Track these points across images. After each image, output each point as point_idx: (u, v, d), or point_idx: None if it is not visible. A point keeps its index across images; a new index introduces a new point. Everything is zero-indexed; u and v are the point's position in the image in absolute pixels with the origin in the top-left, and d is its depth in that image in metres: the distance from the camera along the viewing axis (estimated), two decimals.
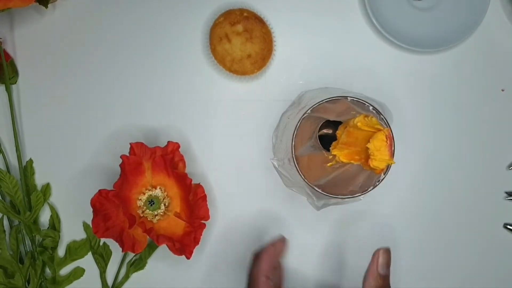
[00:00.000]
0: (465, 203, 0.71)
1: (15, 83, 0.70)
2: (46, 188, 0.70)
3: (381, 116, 0.59)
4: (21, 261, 0.69)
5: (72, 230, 0.70)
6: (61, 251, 0.70)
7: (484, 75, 0.72)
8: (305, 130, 0.60)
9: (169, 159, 0.64)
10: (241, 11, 0.68)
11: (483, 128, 0.71)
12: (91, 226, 0.64)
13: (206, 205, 0.65)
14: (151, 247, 0.69)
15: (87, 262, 0.70)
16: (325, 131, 0.65)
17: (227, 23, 0.67)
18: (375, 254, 0.57)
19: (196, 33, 0.70)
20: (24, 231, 0.69)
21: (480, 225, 0.71)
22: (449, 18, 0.70)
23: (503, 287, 0.72)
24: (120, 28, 0.70)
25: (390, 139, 0.54)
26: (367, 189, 0.59)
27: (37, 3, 0.66)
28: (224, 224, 0.70)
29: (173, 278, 0.70)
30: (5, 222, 0.69)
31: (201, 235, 0.64)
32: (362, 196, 0.60)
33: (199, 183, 0.66)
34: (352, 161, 0.55)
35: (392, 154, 0.54)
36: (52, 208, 0.69)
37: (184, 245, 0.63)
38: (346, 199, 0.60)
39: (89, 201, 0.63)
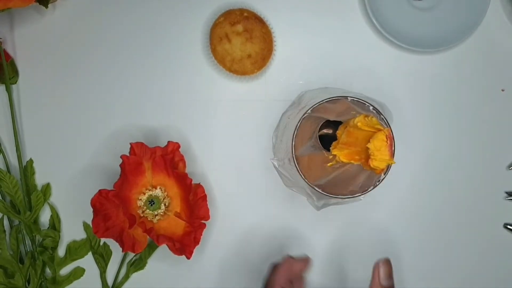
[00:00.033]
0: (465, 203, 0.71)
1: (15, 83, 0.70)
2: (46, 188, 0.70)
3: (381, 116, 0.59)
4: (21, 261, 0.69)
5: (72, 230, 0.70)
6: (61, 251, 0.70)
7: (484, 75, 0.72)
8: (305, 130, 0.60)
9: (169, 159, 0.64)
10: (241, 11, 0.68)
11: (483, 128, 0.71)
12: (91, 226, 0.64)
13: (206, 205, 0.65)
14: (151, 247, 0.69)
15: (87, 262, 0.70)
16: (325, 131, 0.65)
17: (227, 23, 0.67)
18: (375, 267, 0.56)
19: (196, 33, 0.70)
20: (24, 231, 0.69)
21: (480, 225, 0.71)
22: (449, 18, 0.70)
23: (503, 287, 0.72)
24: (120, 28, 0.70)
25: (390, 139, 0.54)
26: (367, 189, 0.59)
27: (37, 3, 0.66)
28: (224, 224, 0.70)
29: (173, 278, 0.70)
30: (5, 222, 0.69)
31: (201, 235, 0.64)
32: (362, 196, 0.60)
33: (199, 183, 0.66)
34: (352, 161, 0.55)
35: (392, 154, 0.54)
36: (52, 208, 0.69)
37: (184, 245, 0.63)
38: (346, 199, 0.60)
39: (89, 201, 0.63)
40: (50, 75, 0.70)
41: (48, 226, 0.70)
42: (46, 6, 0.66)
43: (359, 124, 0.54)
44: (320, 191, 0.59)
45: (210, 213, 0.65)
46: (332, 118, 0.59)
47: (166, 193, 0.65)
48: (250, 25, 0.67)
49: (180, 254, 0.63)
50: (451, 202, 0.71)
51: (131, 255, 0.70)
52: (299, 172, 0.59)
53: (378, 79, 0.71)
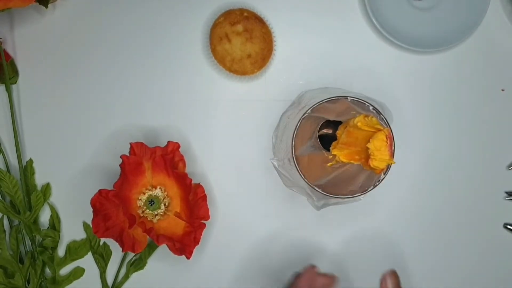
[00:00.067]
0: (465, 203, 0.71)
1: (15, 83, 0.70)
2: (46, 188, 0.70)
3: (381, 116, 0.59)
4: (21, 261, 0.69)
5: (72, 230, 0.70)
6: (61, 251, 0.70)
7: (484, 75, 0.71)
8: (305, 130, 0.60)
9: (169, 159, 0.64)
10: (241, 11, 0.68)
11: (483, 128, 0.71)
12: (91, 226, 0.64)
13: (206, 205, 0.65)
14: (151, 247, 0.69)
15: (87, 262, 0.70)
16: (325, 131, 0.65)
17: (227, 23, 0.67)
18: (383, 279, 0.56)
19: (196, 33, 0.70)
20: (24, 231, 0.69)
21: (480, 225, 0.71)
22: (449, 18, 0.70)
23: (503, 287, 0.72)
24: (120, 28, 0.70)
25: (390, 139, 0.54)
26: (367, 189, 0.59)
27: (37, 3, 0.66)
28: (224, 224, 0.70)
29: (173, 278, 0.70)
30: (5, 222, 0.69)
31: (201, 235, 0.64)
32: (362, 196, 0.60)
33: (199, 183, 0.66)
34: (352, 161, 0.55)
35: (392, 154, 0.54)
36: (52, 208, 0.69)
37: (184, 245, 0.63)
38: (346, 199, 0.60)
39: (89, 201, 0.63)
40: (50, 75, 0.70)
41: (48, 226, 0.70)
42: (46, 6, 0.66)
43: (359, 124, 0.54)
44: (320, 191, 0.59)
45: (210, 213, 0.65)
46: (332, 118, 0.59)
47: (166, 193, 0.65)
48: (250, 25, 0.67)
49: (180, 254, 0.63)
50: (451, 202, 0.71)
51: (131, 255, 0.70)
52: (299, 172, 0.59)
53: (378, 79, 0.71)
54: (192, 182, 0.63)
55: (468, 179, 0.71)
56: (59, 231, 0.70)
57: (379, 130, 0.53)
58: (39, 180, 0.70)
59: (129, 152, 0.64)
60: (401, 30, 0.70)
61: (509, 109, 0.72)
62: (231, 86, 0.70)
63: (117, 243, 0.63)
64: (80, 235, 0.70)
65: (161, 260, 0.70)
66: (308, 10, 0.71)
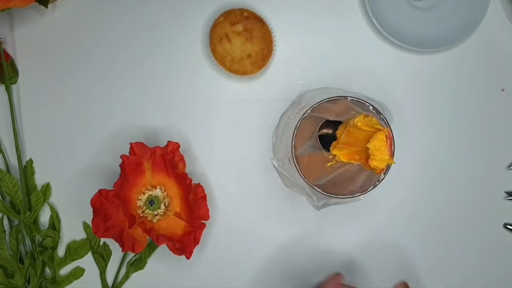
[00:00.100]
0: (465, 203, 0.71)
1: (15, 83, 0.70)
2: (46, 188, 0.70)
3: (381, 116, 0.59)
4: (21, 261, 0.69)
5: (72, 230, 0.70)
6: (61, 251, 0.70)
7: (484, 75, 0.71)
8: (305, 130, 0.60)
9: (169, 159, 0.64)
10: (241, 11, 0.68)
11: (483, 128, 0.71)
12: (91, 226, 0.64)
13: (206, 205, 0.65)
14: (151, 247, 0.69)
15: (87, 262, 0.70)
16: (325, 131, 0.65)
17: (227, 23, 0.67)
18: None
19: (196, 33, 0.70)
20: (24, 231, 0.69)
21: (480, 225, 0.71)
22: (449, 18, 0.70)
23: (503, 287, 0.72)
24: (120, 28, 0.70)
25: (390, 139, 0.54)
26: (367, 189, 0.59)
27: (37, 3, 0.66)
28: (224, 224, 0.70)
29: (173, 278, 0.70)
30: (5, 222, 0.69)
31: (201, 235, 0.64)
32: (362, 196, 0.60)
33: (199, 183, 0.66)
34: (352, 161, 0.55)
35: (392, 154, 0.54)
36: (52, 208, 0.69)
37: (184, 245, 0.63)
38: (346, 199, 0.60)
39: (89, 201, 0.63)
40: (50, 75, 0.70)
41: (48, 226, 0.70)
42: (46, 6, 0.66)
43: (359, 124, 0.54)
44: (320, 191, 0.59)
45: (210, 213, 0.65)
46: (332, 118, 0.59)
47: (166, 193, 0.65)
48: (250, 25, 0.67)
49: (180, 254, 0.63)
50: (451, 202, 0.71)
51: (131, 255, 0.70)
52: (299, 172, 0.59)
53: (378, 79, 0.71)
54: (192, 182, 0.63)
55: (468, 179, 0.71)
56: (59, 231, 0.70)
57: (379, 130, 0.53)
58: (39, 180, 0.70)
59: (129, 152, 0.64)
60: (401, 30, 0.70)
61: (509, 109, 0.72)
62: (231, 86, 0.70)
63: (117, 243, 0.63)
64: (80, 235, 0.70)
65: (161, 260, 0.70)
66: (308, 10, 0.71)
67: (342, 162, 0.56)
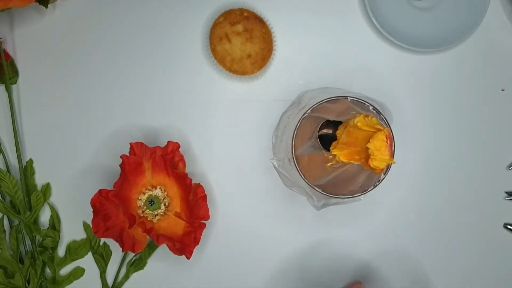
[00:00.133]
0: (465, 203, 0.71)
1: (15, 83, 0.70)
2: (46, 188, 0.70)
3: (381, 116, 0.59)
4: (21, 261, 0.69)
5: (72, 230, 0.70)
6: (61, 251, 0.70)
7: (484, 75, 0.71)
8: (305, 130, 0.60)
9: (169, 159, 0.64)
10: (241, 11, 0.68)
11: (483, 128, 0.71)
12: (91, 226, 0.64)
13: (206, 205, 0.65)
14: (151, 247, 0.69)
15: (87, 262, 0.70)
16: (325, 131, 0.65)
17: (227, 23, 0.67)
18: None
19: (196, 33, 0.70)
20: (24, 231, 0.69)
21: (480, 225, 0.71)
22: (449, 18, 0.70)
23: (503, 287, 0.72)
24: (120, 28, 0.70)
25: (390, 139, 0.54)
26: (367, 189, 0.59)
27: (37, 3, 0.66)
28: (224, 224, 0.70)
29: (173, 278, 0.70)
30: (5, 222, 0.69)
31: (201, 235, 0.64)
32: (362, 196, 0.60)
33: (199, 183, 0.66)
34: (352, 161, 0.55)
35: (392, 154, 0.54)
36: (52, 208, 0.69)
37: (184, 245, 0.63)
38: (346, 199, 0.60)
39: (89, 201, 0.63)
40: (50, 75, 0.70)
41: (48, 226, 0.70)
42: (46, 6, 0.66)
43: (359, 124, 0.54)
44: (320, 191, 0.59)
45: (210, 213, 0.65)
46: (332, 118, 0.59)
47: (166, 193, 0.65)
48: (250, 25, 0.67)
49: (180, 254, 0.63)
50: (451, 202, 0.71)
51: (131, 255, 0.70)
52: (299, 172, 0.59)
53: (378, 79, 0.71)
54: (192, 182, 0.63)
55: (468, 179, 0.71)
56: (59, 231, 0.70)
57: (379, 130, 0.53)
58: (39, 180, 0.70)
59: (129, 152, 0.64)
60: (401, 30, 0.70)
61: (509, 109, 0.72)
62: (231, 86, 0.70)
63: (117, 243, 0.63)
64: (80, 235, 0.70)
65: (161, 260, 0.70)
66: (308, 10, 0.71)
67: (342, 162, 0.56)
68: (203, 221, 0.65)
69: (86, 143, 0.70)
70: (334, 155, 0.56)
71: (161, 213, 0.65)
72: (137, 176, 0.64)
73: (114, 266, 0.70)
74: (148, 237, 0.63)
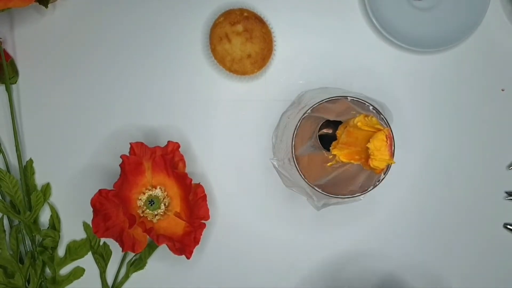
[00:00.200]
0: (465, 203, 0.71)
1: (15, 83, 0.70)
2: (46, 188, 0.70)
3: (381, 116, 0.59)
4: (21, 261, 0.69)
5: (72, 230, 0.70)
6: (61, 251, 0.70)
7: (484, 75, 0.71)
8: (305, 130, 0.60)
9: (169, 159, 0.64)
10: (241, 11, 0.68)
11: (483, 128, 0.71)
12: (91, 226, 0.64)
13: (206, 205, 0.65)
14: (151, 247, 0.69)
15: (87, 262, 0.70)
16: (325, 131, 0.65)
17: (227, 23, 0.67)
18: None
19: (196, 33, 0.70)
20: (24, 231, 0.69)
21: (480, 225, 0.71)
22: (449, 18, 0.70)
23: (503, 287, 0.72)
24: (120, 28, 0.70)
25: (390, 139, 0.54)
26: (367, 189, 0.59)
27: (37, 3, 0.66)
28: (224, 224, 0.70)
29: (173, 278, 0.70)
30: (5, 222, 0.69)
31: (201, 235, 0.64)
32: (362, 196, 0.60)
33: (199, 183, 0.66)
34: (352, 161, 0.55)
35: (392, 154, 0.54)
36: (52, 208, 0.69)
37: (184, 245, 0.63)
38: (346, 199, 0.60)
39: (89, 201, 0.63)
40: (50, 75, 0.70)
41: (48, 226, 0.70)
42: (46, 6, 0.66)
43: (359, 124, 0.54)
44: (320, 191, 0.59)
45: (210, 213, 0.65)
46: (332, 118, 0.59)
47: (166, 193, 0.65)
48: (250, 25, 0.67)
49: (180, 254, 0.63)
50: (451, 202, 0.71)
51: (131, 255, 0.70)
52: (299, 172, 0.59)
53: (378, 79, 0.71)
54: (192, 182, 0.63)
55: (468, 179, 0.71)
56: (59, 231, 0.70)
57: (379, 130, 0.53)
58: (39, 180, 0.70)
59: (129, 152, 0.64)
60: (401, 30, 0.70)
61: (509, 109, 0.72)
62: (231, 86, 0.70)
63: (117, 243, 0.63)
64: (80, 235, 0.70)
65: (161, 260, 0.70)
66: (308, 10, 0.71)
67: (342, 162, 0.56)
68: (203, 221, 0.65)
69: (86, 143, 0.70)
70: (334, 155, 0.56)
71: (161, 213, 0.65)
72: (137, 176, 0.64)
73: (114, 266, 0.70)
74: (148, 237, 0.63)
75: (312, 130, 0.60)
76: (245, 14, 0.68)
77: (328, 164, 0.59)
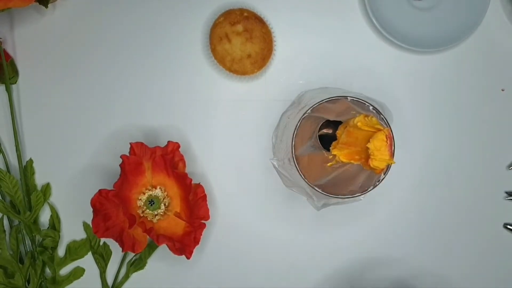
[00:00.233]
0: (465, 203, 0.71)
1: (15, 83, 0.70)
2: (46, 188, 0.70)
3: (381, 116, 0.59)
4: (21, 261, 0.69)
5: (72, 230, 0.70)
6: (61, 251, 0.70)
7: (484, 75, 0.71)
8: (305, 130, 0.60)
9: (169, 159, 0.64)
10: (241, 11, 0.68)
11: (483, 128, 0.71)
12: (91, 226, 0.64)
13: (206, 205, 0.65)
14: (151, 247, 0.69)
15: (87, 262, 0.70)
16: (325, 131, 0.65)
17: (227, 23, 0.67)
18: None
19: (196, 33, 0.70)
20: (24, 231, 0.69)
21: (480, 225, 0.71)
22: (449, 18, 0.70)
23: (503, 287, 0.72)
24: (120, 28, 0.70)
25: (390, 139, 0.54)
26: (367, 189, 0.59)
27: (37, 3, 0.66)
28: (224, 224, 0.70)
29: (173, 278, 0.70)
30: (5, 222, 0.69)
31: (201, 235, 0.64)
32: (362, 196, 0.60)
33: (199, 183, 0.66)
34: (352, 161, 0.55)
35: (392, 154, 0.54)
36: (52, 208, 0.69)
37: (184, 245, 0.63)
38: (346, 199, 0.60)
39: (89, 201, 0.63)
40: (50, 75, 0.70)
41: (48, 226, 0.70)
42: (46, 6, 0.66)
43: (359, 124, 0.54)
44: (320, 191, 0.59)
45: (210, 213, 0.65)
46: (332, 118, 0.59)
47: (166, 193, 0.65)
48: (250, 25, 0.67)
49: (180, 254, 0.63)
50: (451, 202, 0.71)
51: (131, 255, 0.70)
52: (299, 172, 0.59)
53: (378, 79, 0.71)
54: (192, 182, 0.63)
55: (468, 179, 0.71)
56: (59, 231, 0.70)
57: (379, 130, 0.53)
58: (39, 180, 0.70)
59: (129, 152, 0.64)
60: (401, 30, 0.70)
61: (509, 109, 0.72)
62: (231, 86, 0.70)
63: (117, 243, 0.63)
64: (80, 235, 0.70)
65: (161, 260, 0.70)
66: (308, 10, 0.71)
67: (342, 162, 0.56)
68: (203, 221, 0.65)
69: (86, 143, 0.70)
70: (334, 155, 0.56)
71: (161, 213, 0.65)
72: (137, 176, 0.64)
73: (114, 266, 0.70)
74: (148, 237, 0.63)
75: (312, 130, 0.60)
76: (245, 14, 0.68)
77: (328, 164, 0.59)
